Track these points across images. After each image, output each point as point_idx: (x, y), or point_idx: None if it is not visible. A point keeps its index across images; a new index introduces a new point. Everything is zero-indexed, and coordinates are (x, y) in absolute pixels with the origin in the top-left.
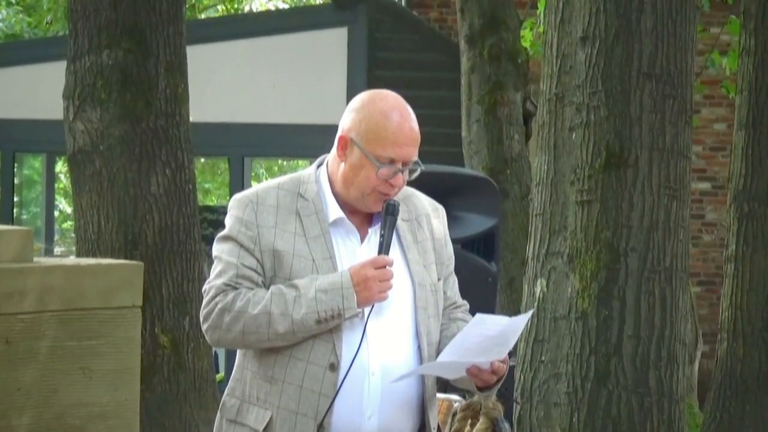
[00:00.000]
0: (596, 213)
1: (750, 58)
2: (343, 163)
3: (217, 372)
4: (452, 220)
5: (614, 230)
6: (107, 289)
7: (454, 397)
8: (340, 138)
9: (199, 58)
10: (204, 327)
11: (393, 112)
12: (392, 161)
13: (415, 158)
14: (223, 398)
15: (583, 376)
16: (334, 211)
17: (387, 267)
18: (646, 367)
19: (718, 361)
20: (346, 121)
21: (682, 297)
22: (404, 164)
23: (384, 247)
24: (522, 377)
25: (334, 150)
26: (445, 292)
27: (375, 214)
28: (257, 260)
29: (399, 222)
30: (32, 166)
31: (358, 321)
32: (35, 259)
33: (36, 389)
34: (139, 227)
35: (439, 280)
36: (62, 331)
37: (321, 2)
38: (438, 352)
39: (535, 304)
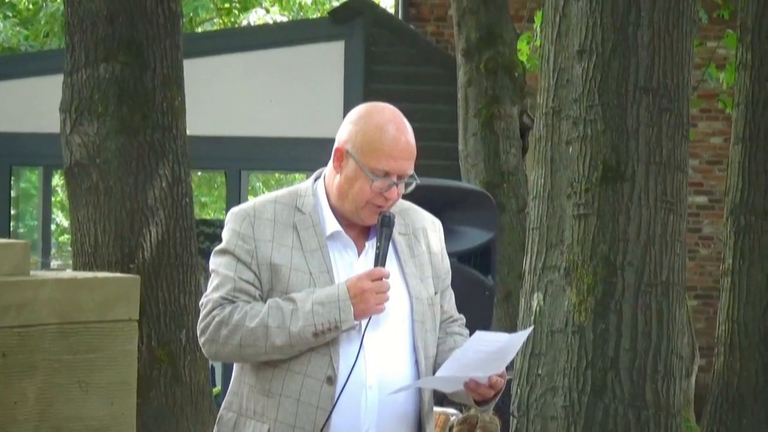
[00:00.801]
0: (593, 227)
1: (747, 72)
2: (338, 175)
3: (214, 385)
4: (449, 233)
5: (611, 244)
6: (104, 302)
7: (451, 410)
8: (336, 150)
9: (196, 71)
10: (201, 341)
11: (389, 125)
12: (387, 174)
13: (411, 172)
14: (220, 412)
15: (579, 389)
16: (332, 225)
17: (383, 279)
18: (643, 380)
19: (715, 374)
20: (343, 133)
21: (678, 311)
22: (399, 177)
23: (380, 259)
24: (519, 391)
25: (331, 162)
26: (441, 306)
27: (372, 227)
28: (254, 274)
29: (396, 236)
30: (29, 179)
31: (355, 334)
32: (32, 272)
33: (33, 402)
34: (136, 241)
35: (436, 293)
36: (59, 345)
37: (318, 16)
38: (435, 366)
39: (532, 317)
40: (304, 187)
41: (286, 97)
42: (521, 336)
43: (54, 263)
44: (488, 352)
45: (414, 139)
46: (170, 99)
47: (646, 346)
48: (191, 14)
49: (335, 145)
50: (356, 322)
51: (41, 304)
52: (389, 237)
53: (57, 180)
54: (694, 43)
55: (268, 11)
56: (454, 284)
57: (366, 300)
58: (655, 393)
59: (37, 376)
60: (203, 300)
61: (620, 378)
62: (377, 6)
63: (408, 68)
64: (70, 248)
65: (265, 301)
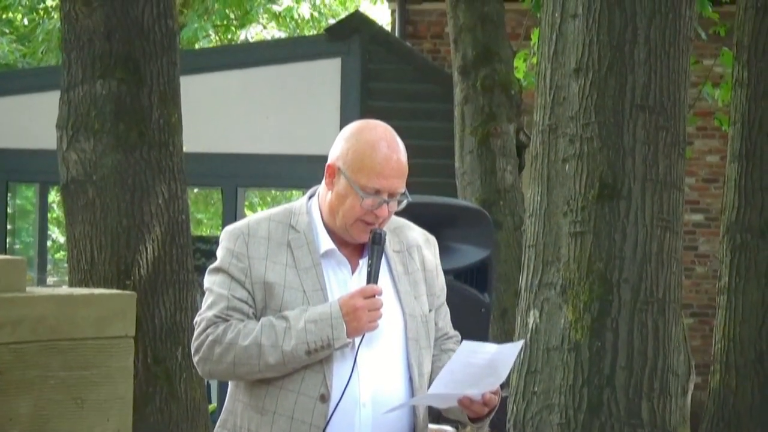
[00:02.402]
0: (589, 244)
1: (743, 90)
2: (330, 192)
3: (210, 402)
4: (445, 250)
5: (607, 261)
6: (100, 319)
7: (446, 428)
8: (328, 166)
9: (193, 88)
10: (195, 359)
11: (380, 142)
12: (377, 192)
13: (402, 190)
14: (215, 430)
15: (575, 407)
16: (325, 243)
17: (376, 296)
18: (639, 398)
19: (711, 392)
20: (335, 150)
21: (674, 328)
22: (390, 195)
23: (372, 277)
24: (515, 408)
25: (324, 179)
26: (436, 323)
27: (367, 245)
28: (248, 292)
29: (390, 253)
30: (25, 195)
31: (348, 352)
32: (28, 288)
33: (28, 419)
34: (132, 257)
35: (430, 311)
36: (55, 361)
37: (315, 33)
38: (430, 383)
39: (528, 335)
40: (299, 205)
41: (283, 113)
42: (511, 348)
43: (50, 279)
44: (480, 366)
45: (406, 157)
46: (167, 116)
47: (642, 363)
48: (190, 33)
49: (327, 162)
50: (349, 340)
51: (37, 321)
52: (381, 254)
53: (53, 196)
54: (690, 61)
55: (265, 27)
56: (451, 301)
57: (358, 317)
58: (651, 411)
59: (32, 392)
60: (197, 318)
61: (616, 396)
62: (374, 23)
63: (404, 85)
64: (66, 265)
65: (259, 320)
